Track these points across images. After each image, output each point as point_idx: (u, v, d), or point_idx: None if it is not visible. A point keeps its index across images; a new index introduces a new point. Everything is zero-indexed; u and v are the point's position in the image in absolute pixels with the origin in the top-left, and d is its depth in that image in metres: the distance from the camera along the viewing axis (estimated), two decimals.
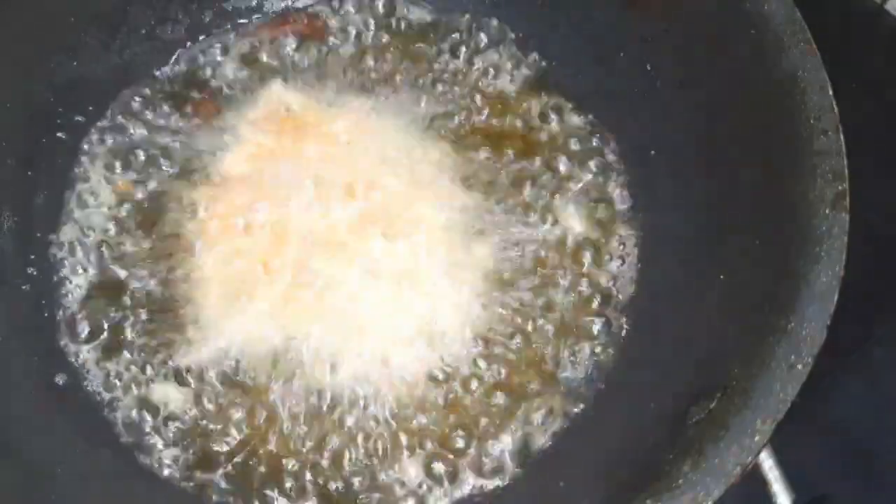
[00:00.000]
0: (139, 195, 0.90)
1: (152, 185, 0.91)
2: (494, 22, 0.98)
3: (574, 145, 0.93)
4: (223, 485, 0.80)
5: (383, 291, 0.85)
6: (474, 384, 0.83)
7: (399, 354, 0.83)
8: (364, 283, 0.85)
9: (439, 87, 0.96)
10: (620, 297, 0.86)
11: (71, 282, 0.87)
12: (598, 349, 0.84)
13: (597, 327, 0.85)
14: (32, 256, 0.86)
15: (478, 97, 0.95)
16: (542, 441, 0.81)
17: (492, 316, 0.85)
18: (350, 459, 0.80)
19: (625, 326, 0.85)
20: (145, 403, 0.82)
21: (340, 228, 0.87)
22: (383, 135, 0.93)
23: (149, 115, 0.94)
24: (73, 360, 0.84)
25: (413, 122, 0.94)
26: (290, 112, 0.94)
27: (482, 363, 0.84)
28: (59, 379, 0.82)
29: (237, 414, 0.81)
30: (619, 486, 0.66)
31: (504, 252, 0.88)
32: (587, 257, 0.88)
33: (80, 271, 0.87)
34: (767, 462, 0.73)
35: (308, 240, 0.87)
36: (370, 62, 0.97)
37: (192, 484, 0.80)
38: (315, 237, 0.87)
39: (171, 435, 0.81)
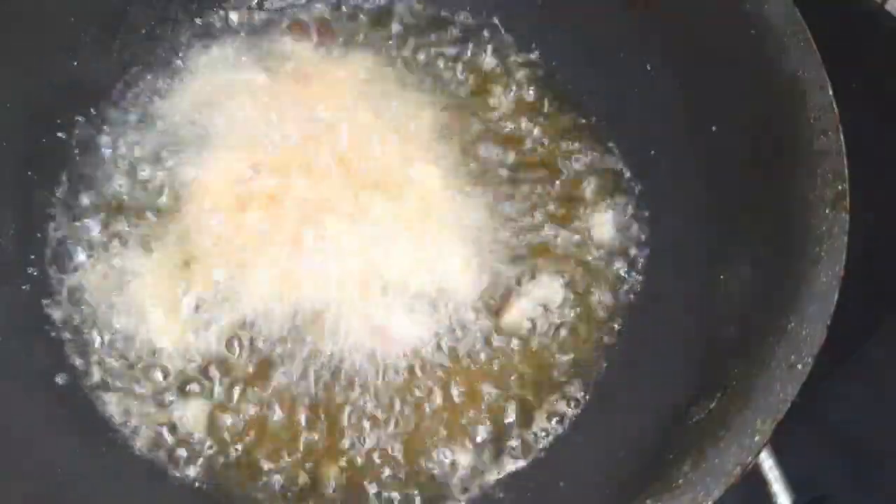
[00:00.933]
0: (141, 189, 0.90)
1: (153, 176, 0.91)
2: (495, 20, 0.98)
3: (573, 144, 0.93)
4: (226, 480, 0.80)
5: (385, 251, 0.85)
6: (478, 357, 0.84)
7: (404, 317, 0.83)
8: (365, 243, 0.85)
9: (440, 75, 0.96)
10: (621, 296, 0.87)
11: (71, 282, 0.87)
12: (598, 349, 0.85)
13: (597, 327, 0.85)
14: (32, 256, 0.86)
15: (477, 94, 0.96)
16: (542, 441, 0.81)
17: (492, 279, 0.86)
18: (348, 433, 0.81)
19: (625, 326, 0.85)
20: (147, 402, 0.82)
21: (339, 190, 0.87)
22: (382, 95, 0.93)
23: (150, 107, 0.94)
24: (73, 359, 0.84)
25: (412, 88, 0.95)
26: (294, 63, 0.95)
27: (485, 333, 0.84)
28: (59, 379, 0.82)
29: (242, 402, 0.82)
30: (619, 486, 0.66)
31: (503, 218, 0.89)
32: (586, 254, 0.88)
33: (81, 271, 0.87)
34: (767, 462, 0.73)
35: (307, 203, 0.87)
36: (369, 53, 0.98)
37: (194, 482, 0.80)
38: (314, 200, 0.87)
39: (173, 432, 0.81)
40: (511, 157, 0.92)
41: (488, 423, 0.82)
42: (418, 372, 0.83)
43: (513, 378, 0.84)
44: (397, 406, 0.82)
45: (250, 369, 0.83)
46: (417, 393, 0.82)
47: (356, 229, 0.86)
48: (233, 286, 0.84)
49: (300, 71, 0.95)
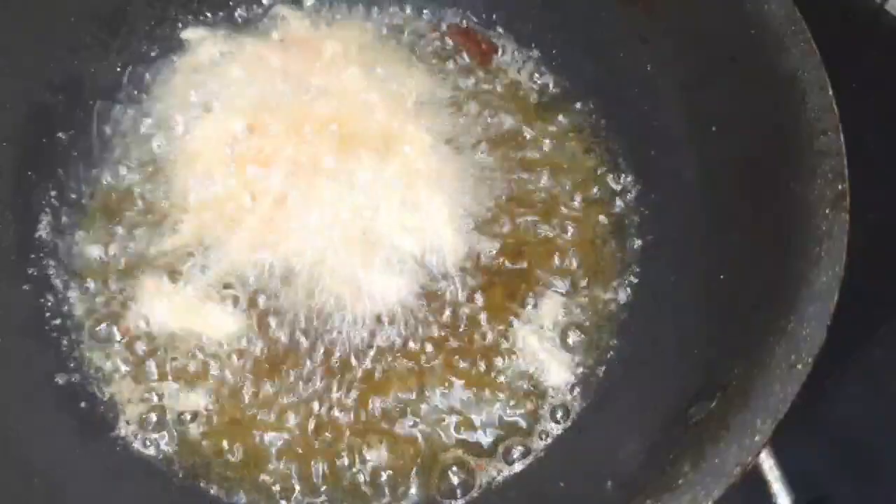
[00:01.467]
0: (140, 179, 0.91)
1: (151, 164, 0.92)
2: (494, 19, 0.98)
3: (571, 143, 0.93)
4: (227, 478, 0.80)
5: (372, 212, 0.86)
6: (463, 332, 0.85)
7: (387, 277, 0.85)
8: (352, 203, 0.86)
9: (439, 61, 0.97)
10: (621, 296, 0.87)
11: (71, 281, 0.87)
12: (597, 349, 0.85)
13: (596, 326, 0.85)
14: (32, 256, 0.86)
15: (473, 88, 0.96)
16: (542, 441, 0.81)
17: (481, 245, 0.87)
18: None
19: (625, 326, 0.85)
20: (146, 401, 0.82)
21: (328, 151, 0.88)
22: (375, 64, 0.95)
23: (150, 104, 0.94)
24: (73, 359, 0.84)
25: (407, 62, 0.96)
26: (289, 32, 0.97)
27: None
28: (59, 379, 0.82)
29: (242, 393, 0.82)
30: (619, 486, 0.67)
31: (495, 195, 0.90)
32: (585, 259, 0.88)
33: (81, 270, 0.87)
34: (767, 462, 0.73)
35: (296, 164, 0.88)
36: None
37: (195, 480, 0.80)
38: (303, 160, 0.88)
39: (172, 432, 0.81)
40: (507, 150, 0.92)
41: (481, 415, 0.82)
42: (401, 339, 0.84)
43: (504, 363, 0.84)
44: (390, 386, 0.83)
45: (253, 348, 0.83)
46: (401, 365, 0.83)
47: (344, 189, 0.87)
48: (221, 249, 0.86)
49: (295, 39, 0.96)
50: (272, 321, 0.84)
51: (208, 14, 0.98)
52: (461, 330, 0.84)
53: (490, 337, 0.84)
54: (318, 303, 0.84)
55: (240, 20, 0.99)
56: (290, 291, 0.84)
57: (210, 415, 0.82)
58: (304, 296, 0.84)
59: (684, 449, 0.61)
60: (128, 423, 0.82)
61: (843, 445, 0.89)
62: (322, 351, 0.83)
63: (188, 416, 0.82)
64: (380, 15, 0.99)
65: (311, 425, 0.81)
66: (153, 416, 0.82)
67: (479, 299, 0.85)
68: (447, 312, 0.85)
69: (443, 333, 0.84)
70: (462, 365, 0.83)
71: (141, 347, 0.84)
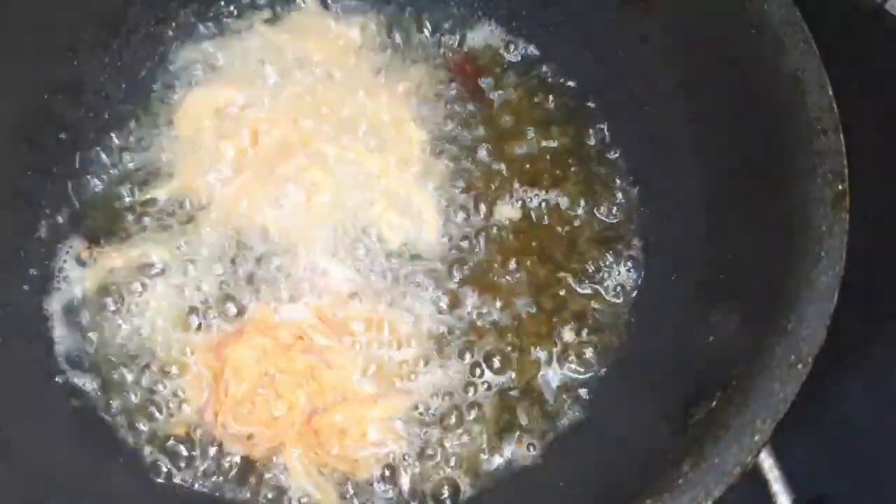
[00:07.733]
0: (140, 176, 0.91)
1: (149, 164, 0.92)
2: (494, 19, 0.98)
3: (571, 143, 0.93)
4: (228, 479, 0.80)
5: (358, 199, 0.87)
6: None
7: (359, 265, 0.86)
8: (340, 187, 0.87)
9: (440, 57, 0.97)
10: (620, 296, 0.87)
11: (71, 282, 0.87)
12: (597, 349, 0.85)
13: (596, 327, 0.85)
14: (32, 256, 0.86)
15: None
16: (542, 441, 0.81)
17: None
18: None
19: (626, 326, 0.85)
20: (146, 401, 0.83)
21: (321, 135, 0.89)
22: (379, 55, 0.96)
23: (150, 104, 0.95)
24: (73, 360, 0.84)
25: (411, 57, 0.96)
26: (294, 19, 0.97)
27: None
28: (60, 379, 0.82)
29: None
30: (620, 486, 0.67)
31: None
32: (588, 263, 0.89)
33: (81, 270, 0.87)
34: (767, 462, 0.73)
35: (288, 142, 0.89)
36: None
37: (193, 482, 0.80)
38: (295, 140, 0.89)
39: (171, 431, 0.81)
40: (504, 150, 0.92)
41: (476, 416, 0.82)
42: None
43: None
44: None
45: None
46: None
47: (332, 173, 0.88)
48: (203, 228, 0.87)
49: (300, 26, 0.96)
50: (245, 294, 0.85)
51: (210, 12, 0.98)
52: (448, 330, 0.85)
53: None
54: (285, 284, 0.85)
55: (241, 11, 0.98)
56: (259, 270, 0.85)
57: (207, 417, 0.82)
58: (273, 276, 0.85)
59: (684, 449, 0.61)
60: (127, 423, 0.82)
61: (843, 445, 0.89)
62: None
63: (186, 414, 0.82)
64: (389, 9, 0.98)
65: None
66: (152, 417, 0.82)
67: (471, 296, 0.86)
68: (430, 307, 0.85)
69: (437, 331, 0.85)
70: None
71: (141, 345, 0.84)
